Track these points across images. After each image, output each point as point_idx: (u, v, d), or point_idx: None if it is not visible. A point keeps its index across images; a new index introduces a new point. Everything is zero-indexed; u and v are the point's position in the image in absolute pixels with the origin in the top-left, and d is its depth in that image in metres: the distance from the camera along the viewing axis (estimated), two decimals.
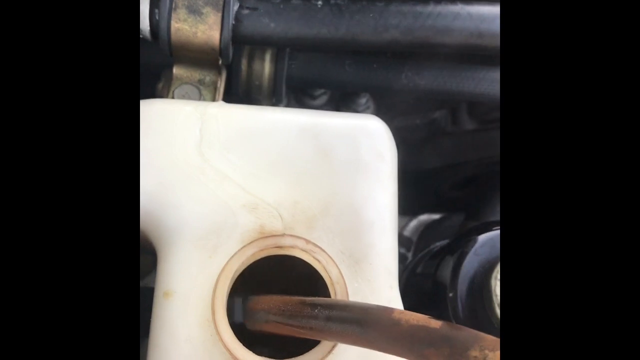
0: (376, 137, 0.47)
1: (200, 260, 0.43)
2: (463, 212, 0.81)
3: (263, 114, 0.47)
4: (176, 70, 0.53)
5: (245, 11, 0.50)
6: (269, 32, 0.51)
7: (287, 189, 0.45)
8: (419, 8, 0.51)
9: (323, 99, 0.71)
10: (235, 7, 0.50)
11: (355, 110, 0.71)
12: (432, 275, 0.56)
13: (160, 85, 0.55)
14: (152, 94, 0.56)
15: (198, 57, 0.52)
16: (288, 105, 0.71)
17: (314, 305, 0.33)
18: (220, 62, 0.52)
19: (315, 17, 0.51)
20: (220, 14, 0.49)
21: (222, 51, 0.51)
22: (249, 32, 0.51)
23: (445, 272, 0.54)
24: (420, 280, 0.61)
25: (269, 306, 0.37)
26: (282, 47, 0.59)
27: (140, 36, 0.52)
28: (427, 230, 0.83)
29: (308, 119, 0.47)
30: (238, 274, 0.42)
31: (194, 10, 0.49)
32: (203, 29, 0.49)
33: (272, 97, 0.63)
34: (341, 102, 0.72)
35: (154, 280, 0.68)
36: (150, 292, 0.56)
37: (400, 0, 0.51)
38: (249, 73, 0.61)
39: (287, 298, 0.37)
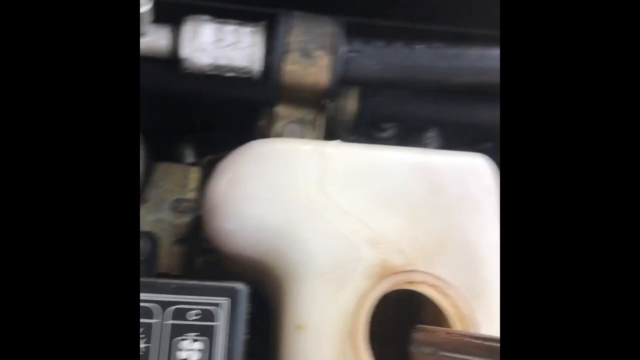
0: (485, 175, 0.50)
1: (328, 293, 0.45)
2: None
3: (378, 153, 0.49)
4: (279, 109, 0.56)
5: (352, 54, 0.53)
6: (371, 75, 0.54)
7: (404, 225, 0.48)
8: None
9: (391, 132, 0.74)
10: (343, 50, 0.53)
11: (422, 142, 0.74)
12: None
13: (263, 123, 0.57)
14: (252, 130, 0.59)
15: (303, 96, 0.54)
16: (356, 137, 0.73)
17: (491, 340, 0.35)
18: (324, 101, 0.55)
19: (416, 60, 0.54)
20: (330, 57, 0.52)
21: (329, 91, 0.53)
22: (353, 74, 0.54)
23: None
24: None
25: (438, 340, 0.39)
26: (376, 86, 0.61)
27: (248, 76, 0.54)
28: None
29: (420, 158, 0.50)
30: (372, 307, 0.44)
31: (306, 54, 0.52)
32: (313, 71, 0.52)
33: (355, 131, 0.65)
34: (409, 134, 0.75)
35: None
36: None
37: (494, 44, 0.54)
38: (337, 109, 0.63)
39: (457, 332, 0.39)
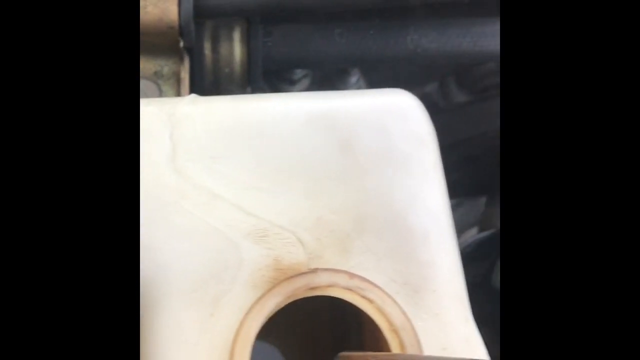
0: (411, 116, 0.35)
1: (198, 321, 0.30)
2: (465, 197, 0.71)
3: (256, 104, 0.34)
4: None
5: None
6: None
7: (303, 201, 0.33)
8: None
9: (304, 84, 0.59)
10: None
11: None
12: (483, 282, 0.45)
13: None
14: None
15: (150, 40, 0.39)
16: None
17: None
18: (181, 44, 0.39)
19: None
20: None
21: (182, 28, 0.38)
22: (214, 1, 0.38)
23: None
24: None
25: None
26: (254, 20, 0.46)
27: None
28: None
29: (317, 104, 0.35)
30: (256, 334, 0.29)
31: None
32: (154, 0, 0.36)
33: (247, 85, 0.50)
34: (326, 84, 0.59)
35: None
36: None
37: None
38: (215, 59, 0.47)
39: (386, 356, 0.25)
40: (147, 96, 0.39)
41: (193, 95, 0.35)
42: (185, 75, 0.40)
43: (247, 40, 0.47)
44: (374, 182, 0.34)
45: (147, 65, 0.40)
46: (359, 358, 0.28)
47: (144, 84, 0.39)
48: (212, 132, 0.33)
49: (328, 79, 0.60)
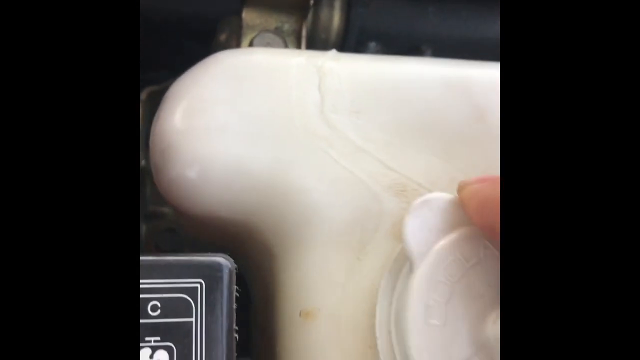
0: None
1: (346, 263, 0.32)
2: None
3: (398, 66, 0.36)
4: (247, 16, 0.41)
5: None
6: None
7: (438, 162, 0.34)
8: None
9: None
10: None
11: None
12: None
13: (223, 37, 0.42)
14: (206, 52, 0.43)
15: None
16: None
17: None
18: (311, 2, 0.40)
19: None
20: None
21: None
22: None
23: None
24: None
25: None
26: None
27: None
28: None
29: (456, 71, 0.36)
30: None
31: None
32: None
33: None
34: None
35: None
36: None
37: None
38: (315, 23, 0.48)
39: None
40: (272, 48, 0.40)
41: (334, 51, 0.36)
42: (305, 33, 0.41)
43: (347, 9, 0.48)
44: None
45: (269, 20, 0.41)
46: None
47: (269, 37, 0.40)
48: (355, 88, 0.35)
49: (399, 55, 0.61)
